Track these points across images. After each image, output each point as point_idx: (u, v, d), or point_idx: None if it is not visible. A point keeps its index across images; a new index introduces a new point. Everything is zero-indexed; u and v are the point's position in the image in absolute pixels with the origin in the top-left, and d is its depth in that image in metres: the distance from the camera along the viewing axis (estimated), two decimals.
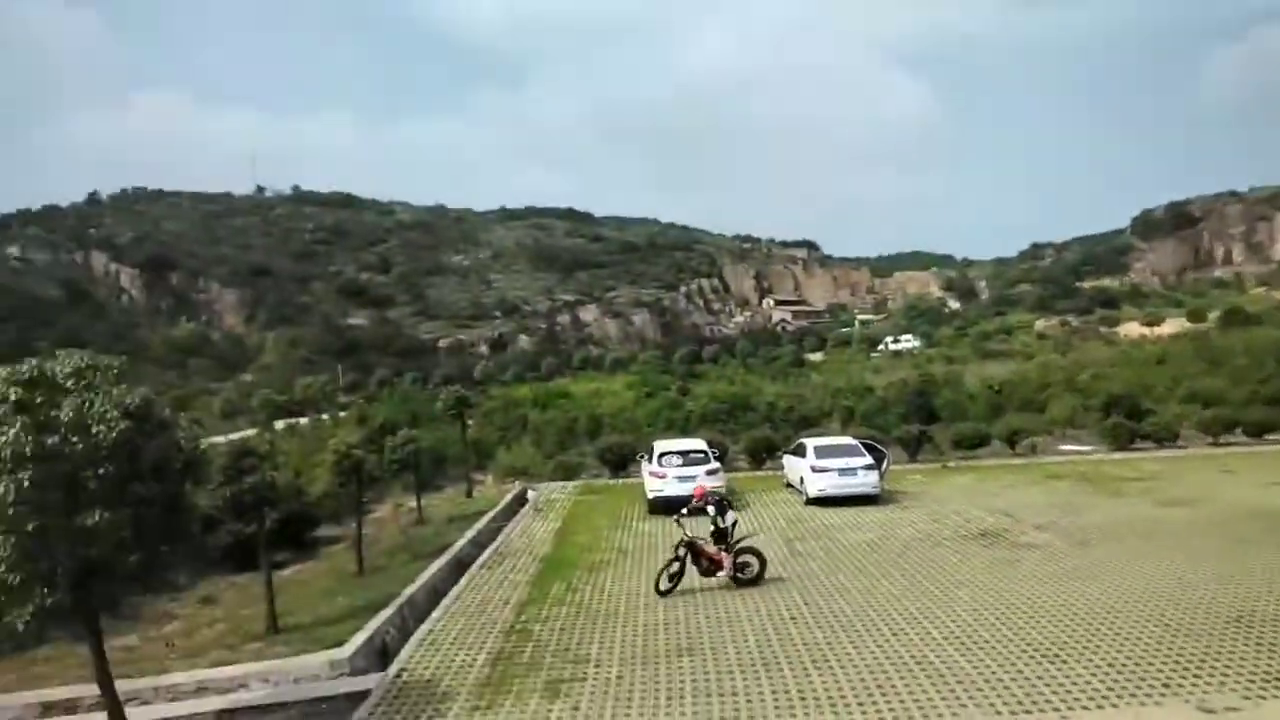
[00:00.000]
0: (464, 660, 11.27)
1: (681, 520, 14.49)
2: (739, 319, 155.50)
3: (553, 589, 14.59)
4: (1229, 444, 29.21)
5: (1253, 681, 9.48)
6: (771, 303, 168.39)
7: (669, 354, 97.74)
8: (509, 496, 23.69)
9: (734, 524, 14.45)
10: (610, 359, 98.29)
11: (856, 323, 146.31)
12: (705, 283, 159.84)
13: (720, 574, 14.08)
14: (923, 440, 29.49)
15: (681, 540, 14.06)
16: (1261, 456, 26.20)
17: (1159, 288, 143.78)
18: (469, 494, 25.29)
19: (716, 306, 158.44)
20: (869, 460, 21.55)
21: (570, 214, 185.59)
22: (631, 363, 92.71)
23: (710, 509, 14.33)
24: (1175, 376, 44.45)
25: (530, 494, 25.15)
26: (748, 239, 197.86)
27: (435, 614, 13.35)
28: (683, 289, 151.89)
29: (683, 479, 20.74)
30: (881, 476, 21.80)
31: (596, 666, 10.83)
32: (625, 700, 9.73)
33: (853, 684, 9.89)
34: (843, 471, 21.25)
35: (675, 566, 13.86)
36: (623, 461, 28.39)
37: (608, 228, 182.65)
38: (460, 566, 16.31)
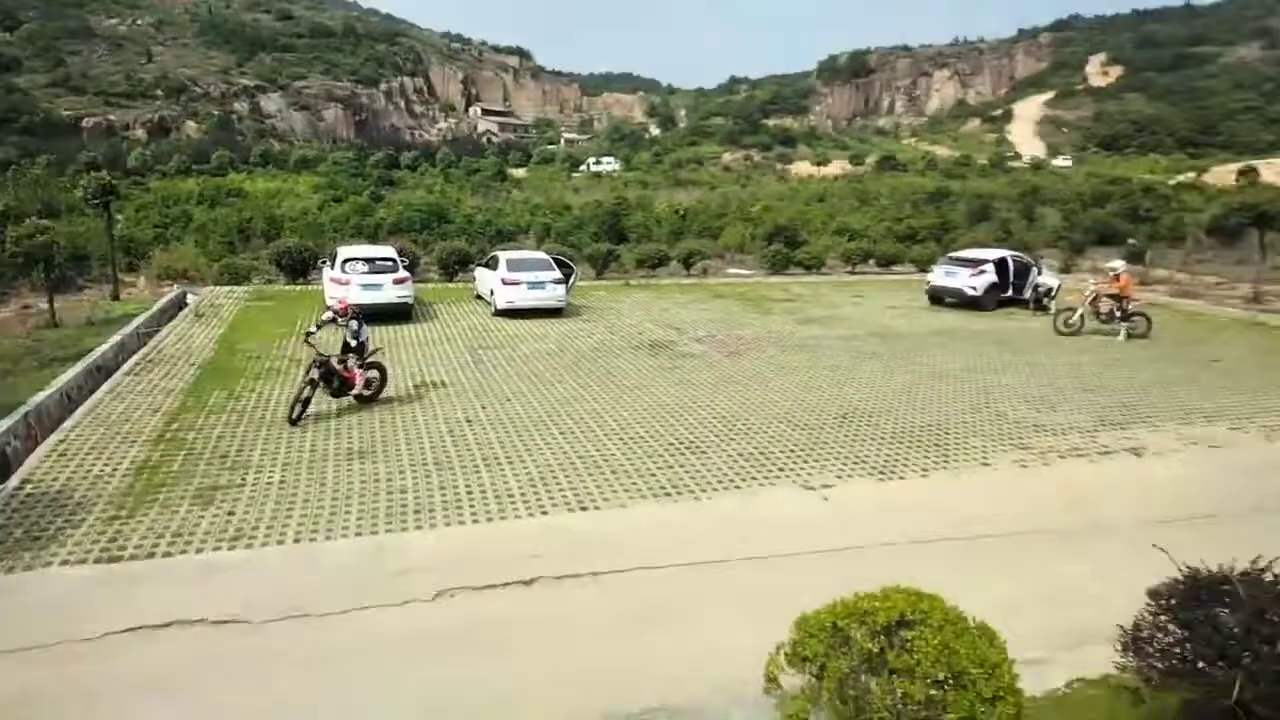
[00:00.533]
0: (103, 470, 10.38)
1: (311, 338, 13.00)
2: (443, 125, 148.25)
3: (211, 398, 13.69)
4: (863, 273, 33.69)
5: (845, 464, 11.43)
6: (479, 111, 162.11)
7: (363, 156, 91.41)
8: (164, 300, 21.43)
9: (367, 339, 13.75)
10: (295, 157, 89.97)
11: (562, 140, 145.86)
12: (409, 81, 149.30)
13: (351, 392, 13.27)
14: (610, 259, 30.74)
15: (315, 360, 12.71)
16: (887, 285, 30.55)
17: (831, 131, 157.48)
18: (115, 296, 22.51)
19: (419, 109, 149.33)
20: (558, 275, 22.14)
21: None
22: (320, 163, 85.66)
23: (354, 323, 13.44)
24: (830, 212, 49.76)
25: (190, 298, 22.95)
26: (458, 38, 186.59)
27: (68, 423, 12.04)
28: (383, 86, 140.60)
29: (368, 286, 20.04)
30: (568, 291, 22.55)
31: (257, 472, 10.49)
32: (286, 503, 9.58)
33: (519, 478, 10.53)
34: (531, 285, 21.68)
35: (307, 391, 12.61)
36: (303, 267, 26.67)
37: (299, 5, 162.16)
38: (102, 373, 14.70)
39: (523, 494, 10.08)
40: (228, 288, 25.19)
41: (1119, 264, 21.91)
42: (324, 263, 22.26)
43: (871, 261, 34.59)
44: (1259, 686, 4.49)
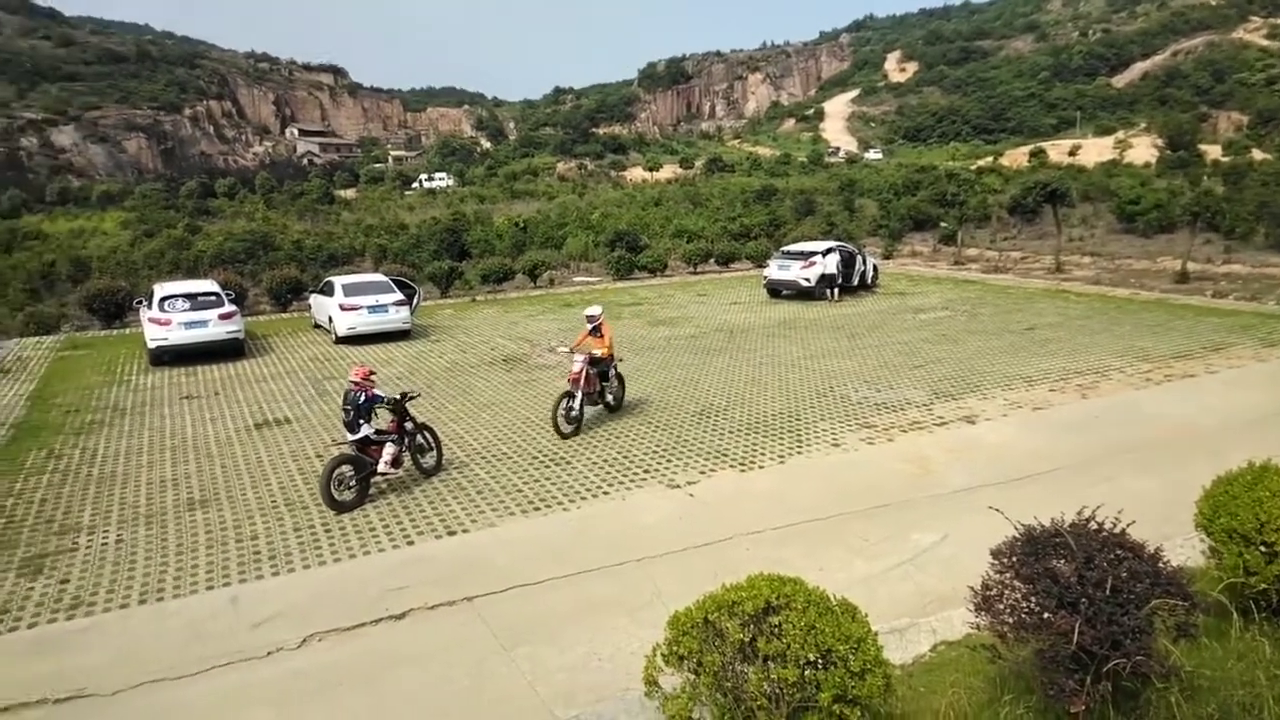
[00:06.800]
0: None
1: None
2: (258, 149, 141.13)
3: (29, 459, 12.49)
4: (705, 272, 34.63)
5: (707, 459, 11.73)
6: (295, 133, 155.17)
7: (174, 187, 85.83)
8: None
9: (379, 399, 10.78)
10: (98, 192, 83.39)
11: (390, 158, 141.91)
12: (216, 105, 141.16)
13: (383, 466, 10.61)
14: (454, 276, 30.20)
15: (343, 456, 10.41)
16: (727, 282, 31.54)
17: (659, 136, 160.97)
18: None
19: (230, 134, 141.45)
20: (399, 296, 21.55)
21: (25, 7, 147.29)
22: (126, 197, 79.82)
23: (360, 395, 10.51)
24: (667, 215, 50.84)
25: None
26: (264, 58, 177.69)
27: None
28: (187, 111, 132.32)
29: (191, 324, 18.82)
30: (413, 312, 21.99)
31: (90, 533, 9.66)
32: (127, 563, 8.87)
33: (379, 510, 10.18)
34: (373, 309, 21.01)
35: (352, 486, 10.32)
36: (117, 310, 24.73)
37: (82, 30, 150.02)
38: None
39: (385, 526, 9.75)
40: (35, 339, 23.03)
41: (595, 309, 13.81)
42: (140, 303, 20.72)
43: (711, 260, 35.61)
44: (1095, 628, 4.94)
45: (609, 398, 13.95)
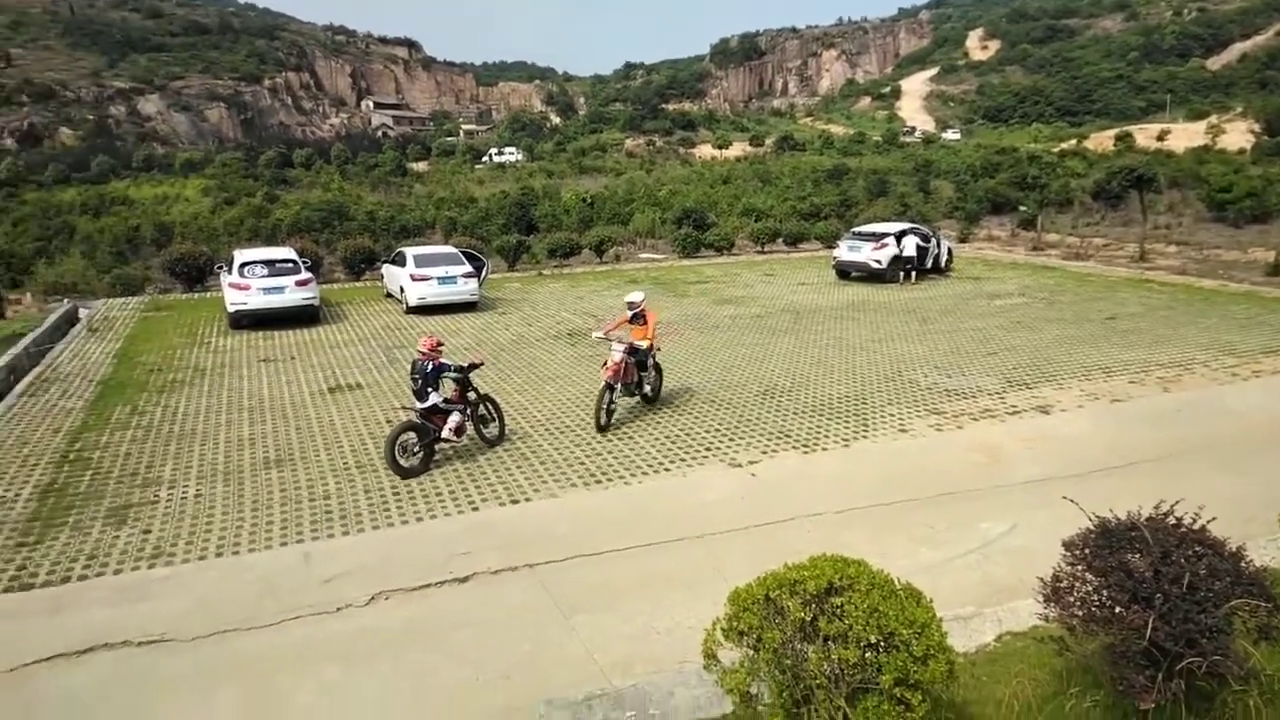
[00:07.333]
0: (3, 496, 9.79)
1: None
2: (335, 121, 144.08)
3: (115, 413, 13.07)
4: (772, 252, 34.26)
5: (769, 440, 11.66)
6: (371, 105, 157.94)
7: (253, 156, 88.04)
8: (54, 316, 20.28)
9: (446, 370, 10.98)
10: (181, 160, 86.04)
11: (461, 132, 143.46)
12: (294, 77, 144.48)
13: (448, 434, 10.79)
14: (521, 249, 30.47)
15: (407, 422, 10.68)
16: (795, 262, 31.15)
17: (729, 113, 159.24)
18: (0, 314, 21.25)
19: (308, 105, 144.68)
20: (469, 269, 21.82)
21: None
22: (207, 165, 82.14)
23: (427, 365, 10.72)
24: (736, 194, 50.38)
25: (83, 312, 21.80)
26: (341, 30, 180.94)
27: None
28: (267, 82, 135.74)
29: (269, 290, 19.37)
30: (481, 284, 22.27)
31: (170, 488, 10.08)
32: (205, 518, 9.24)
33: (445, 478, 10.39)
34: (443, 280, 21.32)
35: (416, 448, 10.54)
36: (199, 274, 25.60)
37: (169, 2, 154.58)
38: None
39: (451, 492, 9.95)
40: (121, 300, 24.00)
41: (637, 295, 12.86)
42: (221, 268, 21.40)
43: (779, 240, 35.19)
44: (1170, 625, 4.79)
45: (646, 388, 12.96)
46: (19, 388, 14.53)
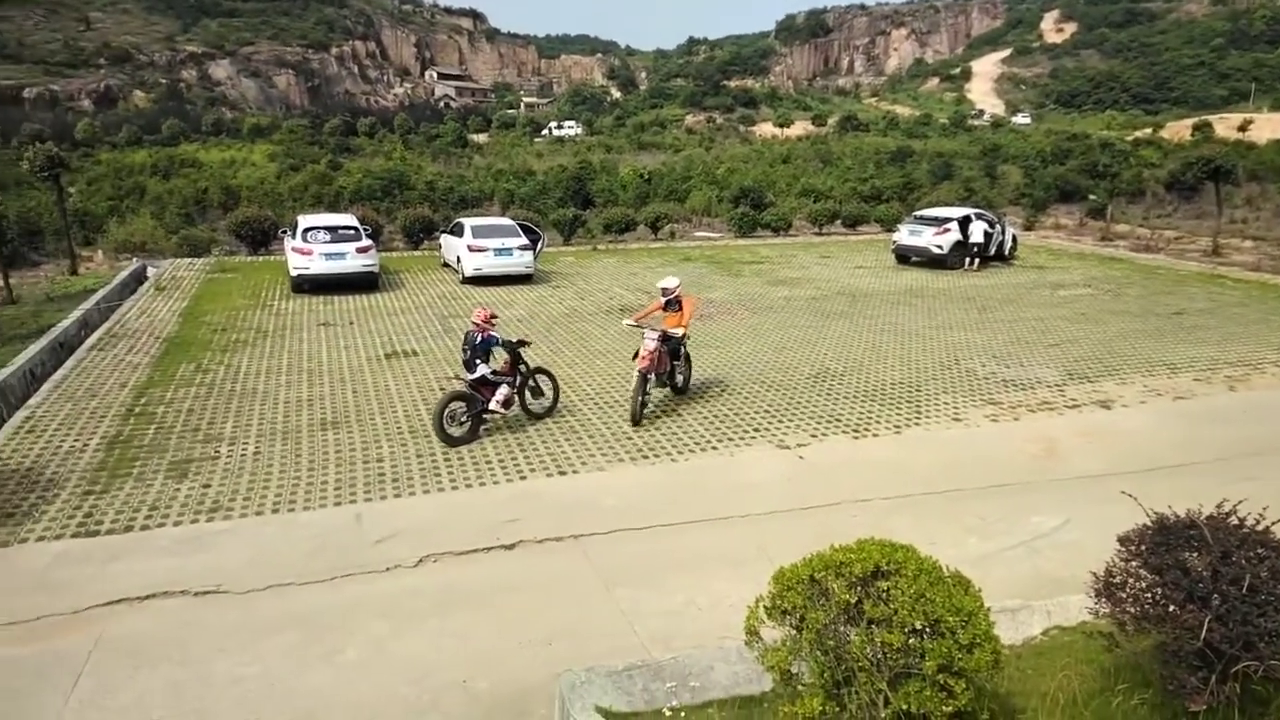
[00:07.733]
0: (73, 445, 10.21)
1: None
2: (399, 90, 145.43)
3: (179, 371, 13.48)
4: (830, 233, 33.82)
5: (819, 423, 11.58)
6: (434, 75, 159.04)
7: (319, 123, 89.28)
8: (124, 274, 20.96)
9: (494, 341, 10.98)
10: (249, 125, 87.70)
11: (522, 104, 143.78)
12: (360, 45, 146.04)
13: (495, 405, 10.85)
14: (577, 223, 30.54)
15: (456, 392, 10.82)
16: (854, 245, 30.72)
17: (792, 91, 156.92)
18: (73, 271, 22.03)
19: (373, 74, 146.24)
20: (524, 241, 21.96)
21: None
22: (274, 131, 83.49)
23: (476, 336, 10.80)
24: (795, 173, 49.73)
25: (151, 271, 22.48)
26: (407, 0, 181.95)
27: (34, 399, 11.80)
28: (334, 50, 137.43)
29: (331, 256, 19.74)
30: (536, 257, 22.40)
31: (230, 444, 10.39)
32: (263, 475, 9.51)
33: (495, 444, 10.53)
34: (499, 251, 21.50)
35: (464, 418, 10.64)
36: (263, 237, 26.19)
37: None
38: (65, 349, 14.40)
39: (500, 461, 10.09)
40: (188, 260, 24.69)
41: (672, 280, 12.17)
42: (285, 232, 21.86)
43: (838, 222, 34.69)
44: (1227, 627, 4.66)
45: (678, 378, 12.40)
46: (89, 341, 15.07)
